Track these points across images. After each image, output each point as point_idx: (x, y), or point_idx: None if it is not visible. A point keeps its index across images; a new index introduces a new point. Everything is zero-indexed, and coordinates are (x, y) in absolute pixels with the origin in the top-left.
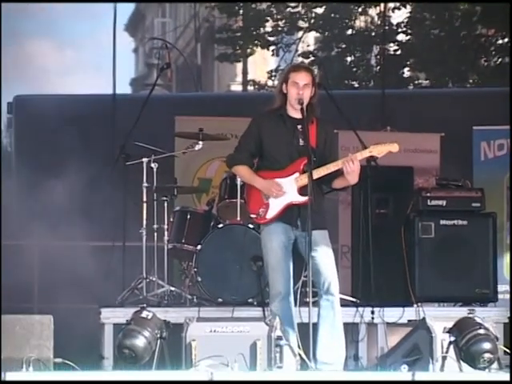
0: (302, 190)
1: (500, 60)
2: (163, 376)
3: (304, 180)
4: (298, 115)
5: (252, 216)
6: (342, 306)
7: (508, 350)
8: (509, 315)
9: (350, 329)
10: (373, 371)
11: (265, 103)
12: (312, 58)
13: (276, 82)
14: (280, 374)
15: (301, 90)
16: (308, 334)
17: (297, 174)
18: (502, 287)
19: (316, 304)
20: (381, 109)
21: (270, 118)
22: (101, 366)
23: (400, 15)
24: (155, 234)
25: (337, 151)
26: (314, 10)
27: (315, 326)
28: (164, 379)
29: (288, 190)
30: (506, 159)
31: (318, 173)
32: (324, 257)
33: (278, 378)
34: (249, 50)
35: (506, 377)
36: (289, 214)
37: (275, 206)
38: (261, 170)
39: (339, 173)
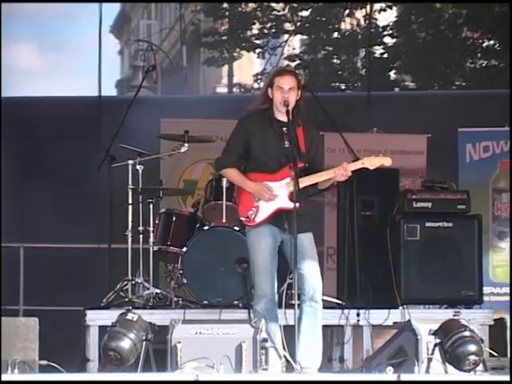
0: (293, 195)
1: (486, 62)
2: (149, 378)
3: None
4: (284, 118)
5: (241, 218)
6: (327, 308)
7: (493, 352)
8: (493, 318)
9: (336, 331)
10: (358, 373)
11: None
12: (298, 61)
13: (262, 85)
14: (265, 375)
15: (286, 93)
16: (293, 335)
17: (288, 179)
18: (488, 289)
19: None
20: (367, 111)
21: (257, 121)
22: (86, 369)
23: (386, 18)
24: (141, 236)
25: (323, 153)
26: (299, 13)
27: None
28: (149, 381)
29: (279, 194)
30: (492, 161)
31: (310, 180)
32: (310, 262)
33: (263, 379)
34: (235, 54)
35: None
36: (278, 218)
37: (265, 210)
38: (249, 173)
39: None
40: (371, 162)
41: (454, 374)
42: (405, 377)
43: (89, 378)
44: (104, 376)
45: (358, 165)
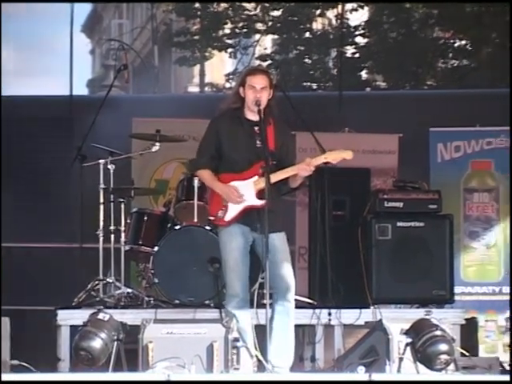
0: (261, 194)
1: (457, 62)
2: (120, 378)
3: (262, 183)
4: (255, 117)
5: (211, 218)
6: (299, 307)
7: (464, 352)
8: (465, 318)
9: (307, 330)
10: (330, 373)
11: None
12: (269, 61)
13: (233, 85)
14: (237, 375)
15: (258, 93)
16: (264, 335)
17: (255, 178)
18: (459, 289)
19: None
20: (338, 110)
21: (228, 120)
22: (57, 368)
23: (358, 18)
24: (112, 235)
25: (294, 152)
26: (271, 12)
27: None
28: (120, 381)
29: (246, 193)
30: (463, 161)
31: (275, 177)
32: (282, 261)
33: (234, 379)
34: (207, 53)
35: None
36: (248, 217)
37: (233, 209)
38: (221, 173)
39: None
40: (333, 156)
41: (426, 374)
42: (376, 376)
43: (60, 377)
44: (75, 376)
45: (320, 159)
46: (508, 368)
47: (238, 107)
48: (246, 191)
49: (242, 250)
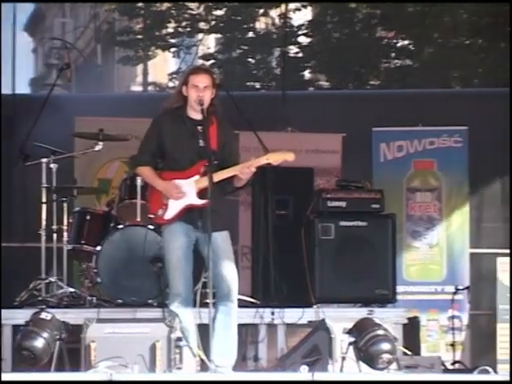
0: (202, 193)
1: (400, 62)
2: (62, 377)
3: (203, 182)
4: (198, 116)
5: (151, 216)
6: (241, 306)
7: (407, 351)
8: (407, 317)
9: (250, 330)
10: (273, 372)
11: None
12: (213, 61)
13: (177, 84)
14: (179, 375)
15: (201, 92)
16: (207, 334)
17: (197, 177)
18: (401, 288)
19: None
20: (282, 110)
21: (170, 119)
22: None
23: (301, 17)
24: (54, 234)
25: (237, 152)
26: (214, 12)
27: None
28: (63, 380)
29: (187, 192)
30: (405, 161)
31: (217, 177)
32: (225, 261)
33: (177, 379)
34: (150, 53)
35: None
36: (190, 215)
37: (174, 207)
38: (163, 171)
39: None
40: (275, 158)
41: (368, 373)
42: (319, 375)
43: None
44: (17, 376)
45: (262, 160)
46: (450, 367)
47: (181, 106)
48: (187, 190)
49: (185, 249)
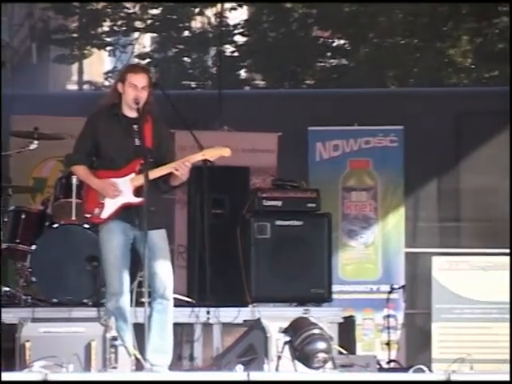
0: (137, 191)
1: (336, 62)
2: (63, 377)
3: (139, 180)
4: (133, 114)
5: (87, 215)
6: (177, 306)
7: (342, 350)
8: (343, 316)
9: (186, 329)
10: (208, 371)
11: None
12: (148, 60)
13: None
14: (115, 374)
15: (139, 92)
16: (142, 334)
17: (132, 175)
18: (337, 287)
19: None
20: (218, 109)
21: (105, 117)
22: None
23: (237, 17)
24: None
25: (173, 150)
26: (150, 11)
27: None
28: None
29: (123, 190)
30: (341, 160)
31: (153, 174)
32: (161, 259)
33: (112, 378)
34: (86, 51)
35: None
36: (127, 214)
37: (110, 206)
38: (98, 170)
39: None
40: (211, 154)
41: (304, 372)
42: (254, 375)
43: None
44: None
45: (198, 156)
46: (385, 366)
47: (116, 104)
48: (123, 188)
49: (122, 248)
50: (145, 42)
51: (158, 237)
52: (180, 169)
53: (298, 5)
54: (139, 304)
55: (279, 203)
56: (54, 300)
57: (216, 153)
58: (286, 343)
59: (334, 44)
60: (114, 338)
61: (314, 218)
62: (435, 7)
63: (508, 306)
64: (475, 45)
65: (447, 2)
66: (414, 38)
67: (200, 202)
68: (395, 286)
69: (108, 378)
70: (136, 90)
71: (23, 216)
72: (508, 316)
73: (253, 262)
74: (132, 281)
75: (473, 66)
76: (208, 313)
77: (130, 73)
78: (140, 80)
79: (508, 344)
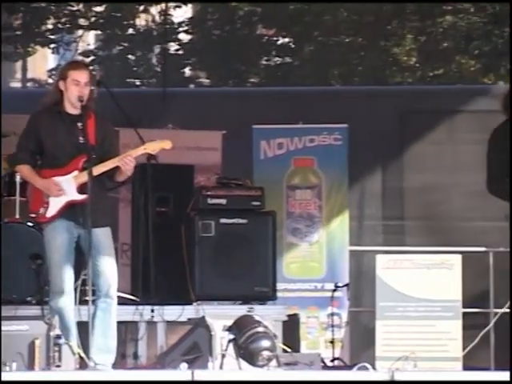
0: (82, 188)
1: (280, 60)
2: (63, 377)
3: (82, 178)
4: (75, 111)
5: (32, 215)
6: (121, 304)
7: (286, 348)
8: (287, 314)
9: (130, 327)
10: (152, 370)
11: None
12: (93, 57)
13: None
14: (58, 373)
15: (82, 88)
16: (86, 332)
17: (75, 172)
18: (281, 285)
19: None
20: (162, 107)
21: (48, 116)
22: None
23: (181, 14)
24: None
25: (118, 147)
26: (94, 8)
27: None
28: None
29: (67, 188)
30: (286, 158)
31: (96, 170)
32: (105, 257)
33: (56, 377)
34: (29, 49)
35: (505, 377)
36: (71, 212)
37: (55, 205)
38: (42, 168)
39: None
40: (152, 147)
41: (248, 370)
42: (198, 373)
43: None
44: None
45: (140, 150)
46: (329, 364)
47: (58, 101)
48: (67, 186)
49: (67, 246)
50: (89, 39)
51: (103, 235)
52: (123, 163)
53: (243, 3)
54: (83, 302)
55: (224, 201)
56: None
57: (157, 146)
58: (230, 341)
59: (279, 42)
60: (58, 337)
61: (258, 217)
62: (380, 6)
63: (451, 303)
64: (419, 43)
65: (391, 2)
66: (358, 36)
67: (144, 200)
68: (339, 284)
69: (51, 377)
70: (79, 86)
71: None
72: (451, 314)
73: (197, 260)
74: (76, 279)
75: (417, 65)
76: (152, 311)
77: (72, 70)
78: (82, 76)
79: (450, 342)
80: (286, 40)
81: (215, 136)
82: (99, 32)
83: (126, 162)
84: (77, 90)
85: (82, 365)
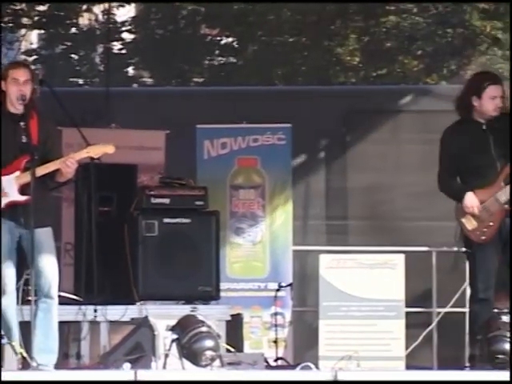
0: (23, 189)
1: (224, 60)
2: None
3: (24, 178)
4: (18, 111)
5: None
6: (64, 304)
7: (230, 347)
8: (230, 314)
9: (73, 327)
10: (95, 370)
11: None
12: (35, 56)
13: None
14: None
15: (22, 86)
16: (29, 332)
17: (17, 173)
18: (225, 285)
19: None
20: (105, 106)
21: None
22: None
23: (125, 14)
24: None
25: (60, 147)
26: (37, 7)
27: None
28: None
29: (9, 189)
30: (229, 158)
31: (38, 171)
32: (47, 257)
33: None
34: None
35: (505, 377)
36: (13, 212)
37: None
38: None
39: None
40: (96, 151)
41: (191, 370)
42: (141, 373)
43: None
44: None
45: (82, 154)
46: (273, 363)
47: (0, 102)
48: (9, 187)
49: (8, 247)
50: (32, 38)
51: (44, 235)
52: (65, 166)
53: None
54: (25, 302)
55: (167, 201)
56: None
57: (100, 150)
58: (173, 341)
59: (223, 42)
60: (0, 337)
61: (201, 216)
62: (323, 6)
63: (394, 303)
64: (363, 43)
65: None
66: (302, 36)
67: (87, 199)
68: (283, 284)
69: None
70: (19, 85)
71: None
72: (393, 313)
73: (140, 259)
74: (18, 279)
75: (360, 65)
76: (95, 311)
77: (11, 69)
78: (21, 74)
79: (393, 341)
80: (230, 40)
81: (158, 136)
82: (42, 31)
83: (68, 165)
84: (17, 88)
85: (25, 365)
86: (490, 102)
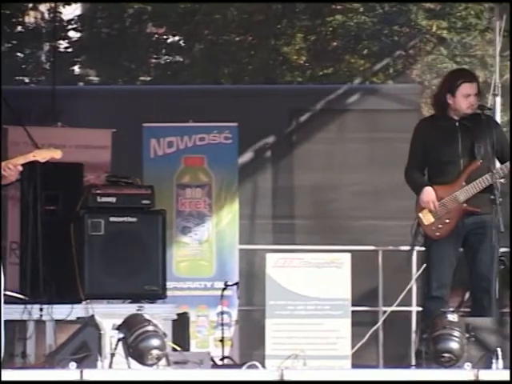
0: None
1: (170, 59)
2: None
3: None
4: None
5: None
6: (9, 303)
7: (176, 346)
8: (177, 313)
9: (18, 326)
10: (41, 369)
11: None
12: None
13: None
14: None
15: None
16: None
17: None
18: (171, 284)
19: None
20: (51, 105)
21: None
22: None
23: (71, 12)
24: None
25: (5, 146)
26: None
27: None
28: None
29: None
30: (176, 157)
31: None
32: None
33: None
34: None
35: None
36: None
37: None
38: None
39: None
40: (42, 155)
41: (137, 370)
42: (87, 372)
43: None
44: None
45: (28, 158)
46: (219, 362)
47: None
48: None
49: None
50: None
51: None
52: (8, 170)
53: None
54: None
55: (113, 199)
56: None
57: (47, 154)
58: (119, 340)
59: (169, 41)
60: None
61: (148, 215)
62: (269, 5)
63: (340, 302)
64: (309, 43)
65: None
66: (248, 35)
67: (33, 198)
68: (229, 283)
69: None
70: None
71: None
72: (340, 312)
73: (86, 258)
74: None
75: (307, 64)
76: (41, 310)
77: None
78: None
79: (339, 340)
80: (176, 38)
81: (105, 134)
82: None
83: (11, 169)
84: None
85: None
86: (463, 100)
